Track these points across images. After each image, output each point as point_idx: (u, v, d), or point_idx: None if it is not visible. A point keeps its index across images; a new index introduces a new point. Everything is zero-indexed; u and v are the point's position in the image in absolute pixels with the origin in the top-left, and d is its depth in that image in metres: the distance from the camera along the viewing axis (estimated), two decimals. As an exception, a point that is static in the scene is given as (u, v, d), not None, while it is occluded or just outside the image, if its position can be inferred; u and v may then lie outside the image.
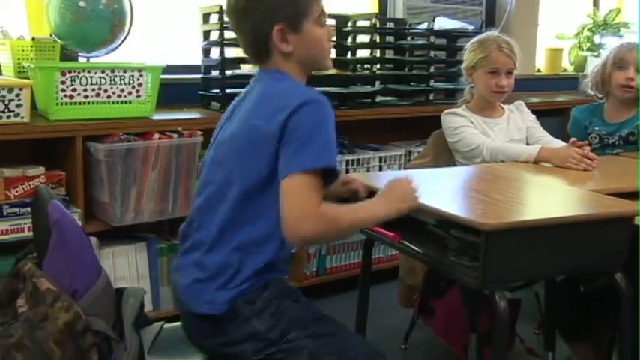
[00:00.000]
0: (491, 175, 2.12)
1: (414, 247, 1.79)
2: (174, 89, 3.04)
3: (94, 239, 2.56)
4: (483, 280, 1.54)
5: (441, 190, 1.87)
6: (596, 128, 2.70)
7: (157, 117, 2.69)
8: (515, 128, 2.57)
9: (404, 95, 3.47)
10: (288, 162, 1.43)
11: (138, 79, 2.61)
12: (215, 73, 3.01)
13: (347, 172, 3.08)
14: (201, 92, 3.07)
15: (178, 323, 1.79)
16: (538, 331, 2.73)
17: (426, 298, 2.62)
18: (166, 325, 1.71)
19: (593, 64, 2.87)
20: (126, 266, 2.67)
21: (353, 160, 3.19)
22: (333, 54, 3.17)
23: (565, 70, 4.70)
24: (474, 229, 1.55)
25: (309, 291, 2.82)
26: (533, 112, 2.68)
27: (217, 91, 2.98)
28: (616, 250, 1.67)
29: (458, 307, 2.54)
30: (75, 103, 2.51)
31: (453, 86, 3.54)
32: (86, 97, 2.52)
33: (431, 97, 3.49)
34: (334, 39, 1.60)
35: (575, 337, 2.24)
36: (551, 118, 3.34)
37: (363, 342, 1.59)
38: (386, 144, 3.50)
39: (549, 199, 1.88)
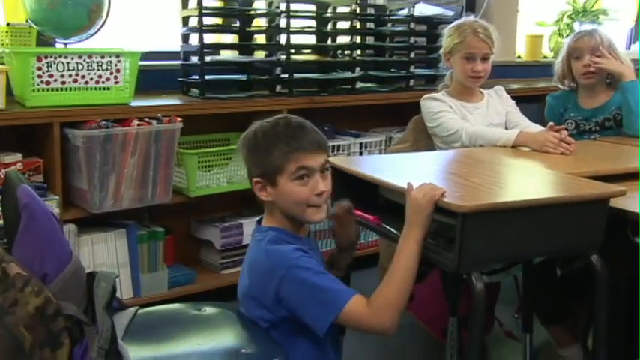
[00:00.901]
0: (470, 159, 2.12)
1: (393, 230, 1.79)
2: (153, 76, 3.02)
3: (72, 226, 2.55)
4: (459, 263, 1.54)
5: (420, 174, 1.87)
6: (572, 114, 2.72)
7: (135, 103, 2.67)
8: (494, 112, 2.58)
9: (384, 82, 3.47)
10: (317, 320, 1.54)
11: (116, 65, 2.59)
12: (194, 59, 2.99)
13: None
14: (180, 79, 3.05)
15: (153, 308, 1.80)
16: (517, 315, 2.75)
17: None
18: (141, 310, 1.70)
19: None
20: (105, 253, 2.65)
21: (334, 147, 3.18)
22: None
23: (545, 57, 4.71)
24: (450, 211, 1.55)
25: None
26: (513, 98, 2.70)
27: (197, 77, 2.96)
28: (592, 233, 1.68)
29: (438, 292, 2.55)
30: (52, 90, 2.48)
31: (433, 72, 3.54)
32: (63, 83, 2.49)
33: (411, 84, 3.49)
34: (324, 190, 1.62)
35: (552, 320, 2.26)
36: (531, 104, 3.35)
37: None
38: (367, 130, 3.50)
39: (527, 181, 1.89)
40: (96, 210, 2.55)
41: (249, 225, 2.99)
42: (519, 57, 4.67)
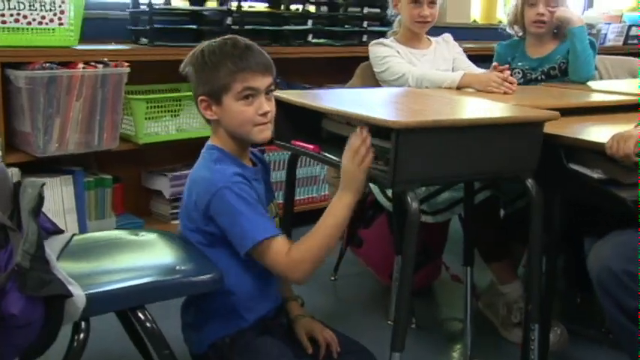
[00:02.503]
0: (415, 94, 2.14)
1: (333, 157, 1.79)
2: (102, 24, 2.97)
3: (15, 170, 2.50)
4: (394, 179, 1.55)
5: (362, 102, 1.88)
6: (519, 63, 2.75)
7: (82, 47, 2.63)
8: (441, 59, 2.60)
9: (337, 38, 3.46)
10: (237, 245, 1.59)
11: (60, 7, 2.54)
12: (144, 7, 2.95)
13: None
14: (129, 27, 3.01)
15: (90, 234, 1.79)
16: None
17: (354, 229, 2.65)
18: (77, 236, 1.69)
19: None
20: (51, 199, 2.61)
21: (285, 99, 3.17)
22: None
23: (500, 21, 4.74)
24: (388, 132, 1.55)
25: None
26: (468, 57, 2.70)
27: (146, 26, 2.92)
28: (527, 156, 1.71)
29: (385, 236, 2.57)
30: (-8, 30, 2.43)
31: (387, 29, 3.53)
32: (4, 22, 2.44)
33: (364, 39, 3.49)
34: (268, 110, 1.65)
35: (493, 257, 2.29)
36: (485, 63, 3.37)
37: None
38: (320, 85, 3.49)
39: (465, 108, 1.90)
40: (40, 153, 2.51)
41: (199, 175, 2.97)
42: (475, 21, 4.69)
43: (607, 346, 2.28)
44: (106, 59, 2.61)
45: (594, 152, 1.71)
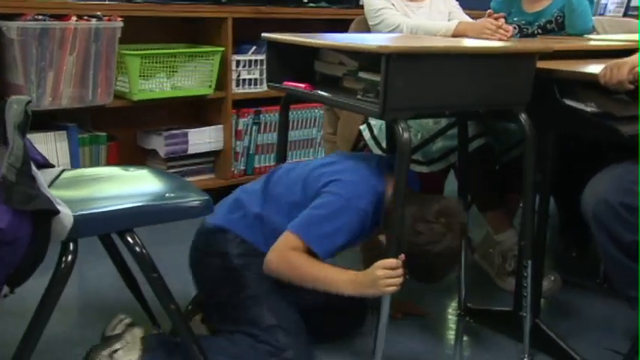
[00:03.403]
0: (410, 36, 2.14)
1: (325, 93, 1.79)
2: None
3: (9, 123, 2.50)
4: (384, 107, 1.54)
5: (354, 40, 1.87)
6: (515, 18, 2.72)
7: (74, 1, 2.61)
8: (437, 12, 2.58)
9: (334, 1, 3.44)
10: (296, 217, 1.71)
11: (51, -42, 2.53)
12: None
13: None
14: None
15: (80, 170, 1.78)
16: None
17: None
18: (68, 171, 1.69)
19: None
20: (45, 154, 2.58)
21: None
22: None
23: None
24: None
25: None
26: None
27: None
28: (520, 90, 1.70)
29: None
30: (-17, -18, 2.42)
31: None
32: (-4, -27, 2.43)
33: (360, 2, 3.46)
34: None
35: (488, 206, 2.28)
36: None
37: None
38: (316, 48, 3.47)
39: (459, 44, 1.89)
40: (34, 107, 2.44)
41: (194, 134, 2.97)
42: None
43: (602, 295, 2.28)
44: (99, 13, 2.60)
45: (588, 86, 1.70)
